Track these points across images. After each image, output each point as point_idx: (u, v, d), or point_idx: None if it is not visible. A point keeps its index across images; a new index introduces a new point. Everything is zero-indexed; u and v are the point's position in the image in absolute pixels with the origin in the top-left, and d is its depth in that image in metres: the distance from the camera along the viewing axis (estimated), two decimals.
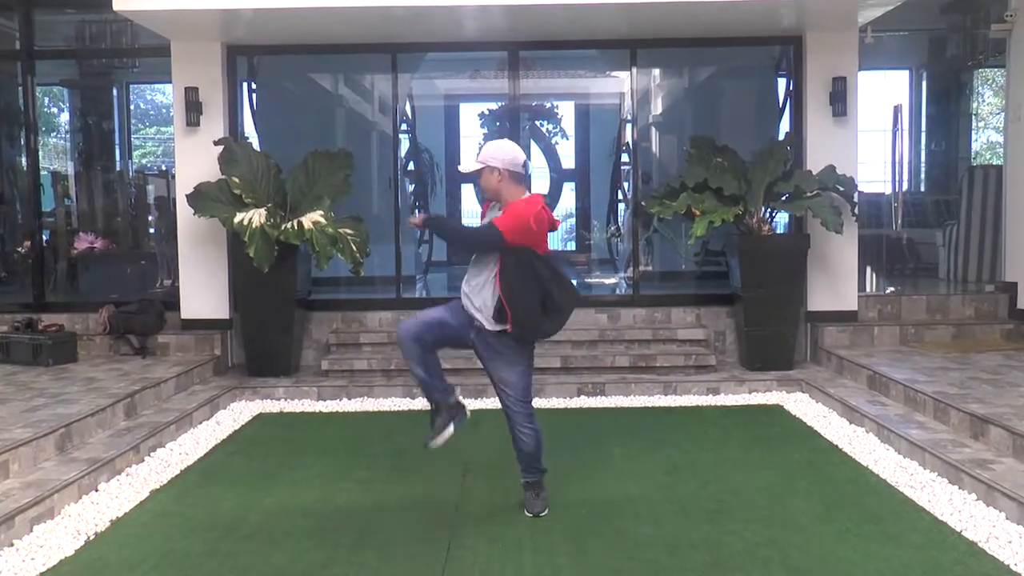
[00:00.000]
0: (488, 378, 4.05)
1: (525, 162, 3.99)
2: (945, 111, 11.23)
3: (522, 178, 3.97)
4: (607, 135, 10.81)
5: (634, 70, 7.76)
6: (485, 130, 10.62)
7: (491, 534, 3.81)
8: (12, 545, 3.67)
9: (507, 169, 3.88)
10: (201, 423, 5.86)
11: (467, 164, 4.00)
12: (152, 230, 9.38)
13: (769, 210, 7.02)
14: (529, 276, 3.79)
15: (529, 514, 4.00)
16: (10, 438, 4.42)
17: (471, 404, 4.27)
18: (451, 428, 3.95)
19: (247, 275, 6.65)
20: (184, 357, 6.99)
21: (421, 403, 6.32)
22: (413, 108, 10.12)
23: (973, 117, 11.33)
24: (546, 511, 4.01)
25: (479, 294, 3.88)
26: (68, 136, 10.96)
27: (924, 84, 11.52)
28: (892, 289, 7.94)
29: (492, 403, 4.28)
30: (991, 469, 4.18)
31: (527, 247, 3.81)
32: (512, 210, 3.84)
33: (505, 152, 3.90)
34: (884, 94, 11.26)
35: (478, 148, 3.96)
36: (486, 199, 4.13)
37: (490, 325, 3.87)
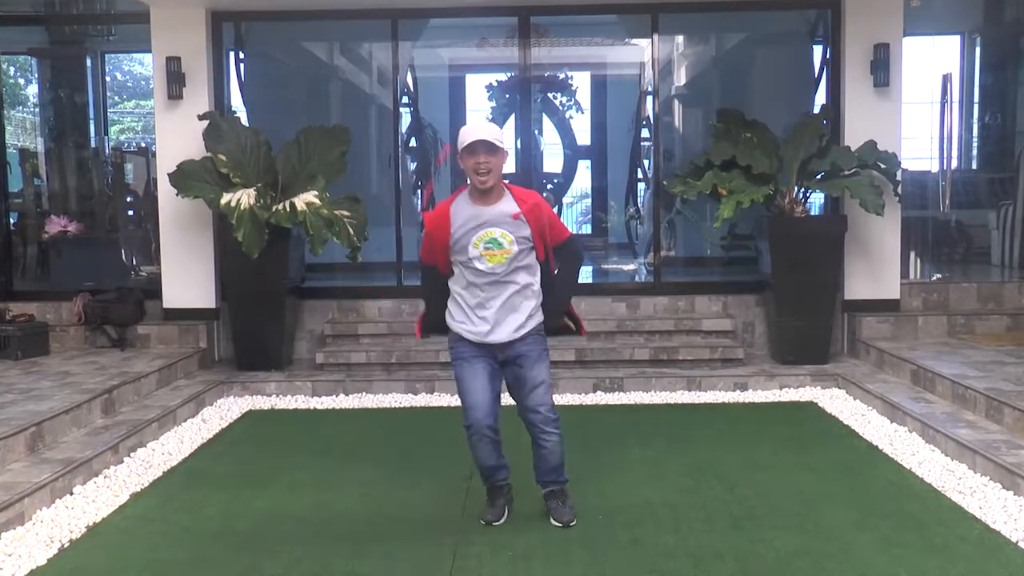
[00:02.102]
0: (515, 396, 4.03)
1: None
2: (1001, 80, 11.12)
3: None
4: (626, 109, 10.76)
5: (656, 37, 7.72)
6: (493, 103, 10.59)
7: (500, 542, 3.83)
8: None
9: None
10: (185, 421, 5.90)
11: (494, 135, 3.81)
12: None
13: (803, 190, 7.00)
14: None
15: (558, 524, 3.99)
16: None
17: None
18: (507, 512, 4.08)
19: (235, 261, 6.67)
20: (166, 350, 7.02)
21: (423, 399, 6.39)
22: (415, 79, 10.08)
23: None
24: (575, 520, 4.00)
25: (519, 309, 3.89)
26: (37, 110, 10.95)
27: (978, 51, 11.40)
28: (939, 276, 7.90)
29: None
30: None
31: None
32: (538, 200, 3.92)
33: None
34: (932, 62, 11.16)
35: (478, 128, 3.81)
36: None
37: (528, 328, 3.92)
